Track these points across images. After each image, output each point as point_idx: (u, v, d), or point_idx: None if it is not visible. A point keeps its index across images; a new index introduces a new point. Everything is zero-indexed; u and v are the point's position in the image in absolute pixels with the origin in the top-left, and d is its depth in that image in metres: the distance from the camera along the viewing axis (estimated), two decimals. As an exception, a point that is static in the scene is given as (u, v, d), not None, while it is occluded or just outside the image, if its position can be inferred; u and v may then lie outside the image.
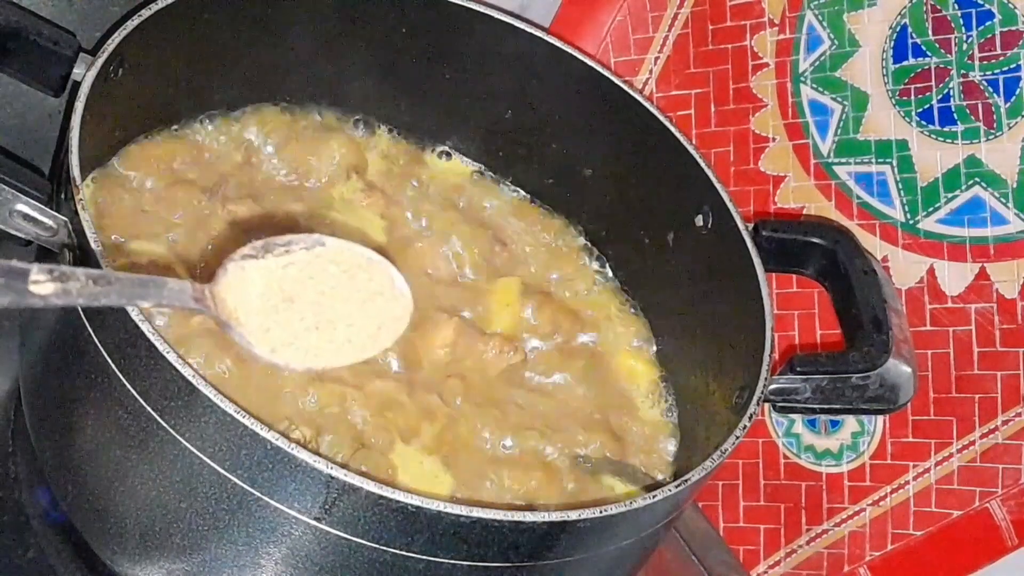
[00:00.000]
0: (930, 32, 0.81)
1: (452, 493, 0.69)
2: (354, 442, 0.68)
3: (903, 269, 0.83)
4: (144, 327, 0.55)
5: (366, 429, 0.69)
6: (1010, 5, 0.77)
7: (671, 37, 0.95)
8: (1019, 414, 0.78)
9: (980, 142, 0.79)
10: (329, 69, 0.84)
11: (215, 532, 0.58)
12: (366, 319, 0.54)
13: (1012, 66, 0.77)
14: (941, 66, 0.80)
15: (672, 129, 0.79)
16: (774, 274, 0.77)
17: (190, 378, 0.54)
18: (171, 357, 0.55)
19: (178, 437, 0.56)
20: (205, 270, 0.73)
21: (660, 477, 0.76)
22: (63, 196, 0.61)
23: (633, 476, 0.74)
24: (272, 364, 0.53)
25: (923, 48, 0.81)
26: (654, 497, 0.60)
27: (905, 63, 0.82)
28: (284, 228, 0.78)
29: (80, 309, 0.59)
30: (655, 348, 0.83)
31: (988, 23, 0.78)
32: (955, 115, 0.80)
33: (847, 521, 0.86)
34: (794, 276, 0.86)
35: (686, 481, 0.62)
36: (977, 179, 0.79)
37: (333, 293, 0.53)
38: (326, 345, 0.53)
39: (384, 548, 0.56)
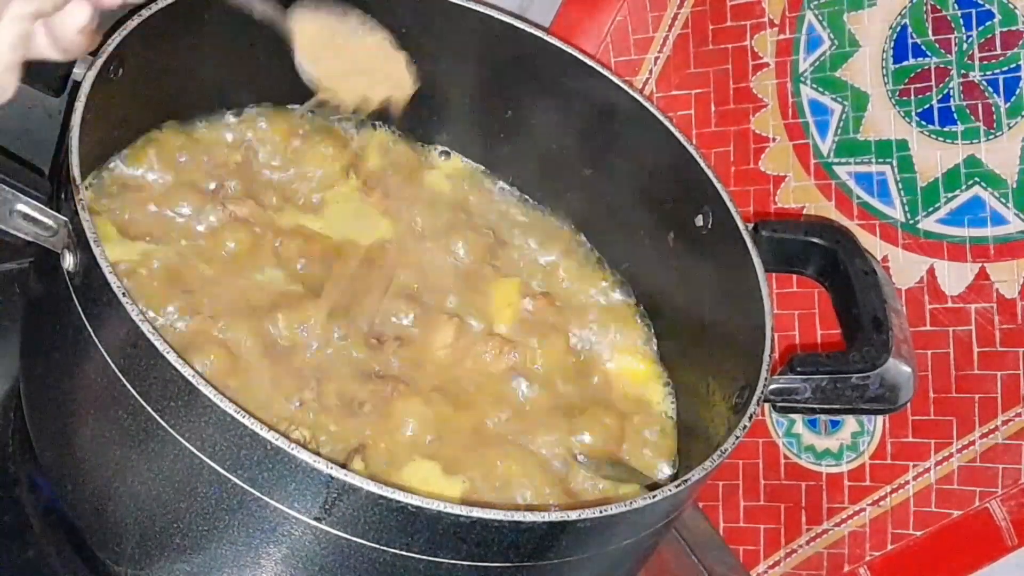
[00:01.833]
0: (930, 32, 0.81)
1: (452, 493, 0.69)
2: (354, 443, 0.68)
3: (903, 269, 0.83)
4: (144, 327, 0.55)
5: (366, 430, 0.69)
6: (1010, 5, 0.77)
7: (671, 37, 0.95)
8: (1019, 414, 0.78)
9: (980, 142, 0.79)
10: (329, 69, 0.84)
11: (215, 532, 0.58)
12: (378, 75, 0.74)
13: (1012, 66, 0.77)
14: (941, 66, 0.80)
15: (672, 129, 0.79)
16: (774, 274, 0.77)
17: (190, 378, 0.54)
18: (171, 357, 0.55)
19: (178, 437, 0.56)
20: (205, 271, 0.73)
21: (660, 477, 0.76)
22: (63, 196, 0.61)
23: (633, 476, 0.74)
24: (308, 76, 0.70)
25: (923, 48, 0.81)
26: (654, 497, 0.60)
27: (905, 63, 0.82)
28: (283, 228, 0.78)
29: (80, 309, 0.59)
30: (655, 348, 0.83)
31: (988, 23, 0.78)
32: (955, 115, 0.80)
33: (847, 521, 0.86)
34: (794, 276, 0.86)
35: (686, 481, 0.62)
36: (977, 179, 0.79)
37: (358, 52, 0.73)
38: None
39: (384, 548, 0.56)
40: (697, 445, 0.75)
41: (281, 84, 0.83)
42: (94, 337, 0.58)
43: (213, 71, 0.79)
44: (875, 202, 0.84)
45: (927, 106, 0.81)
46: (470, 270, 0.82)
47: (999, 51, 0.78)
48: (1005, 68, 0.78)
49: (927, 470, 0.82)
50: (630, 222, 0.85)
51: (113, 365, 0.58)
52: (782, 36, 0.88)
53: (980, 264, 0.80)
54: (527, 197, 0.89)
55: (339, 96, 0.72)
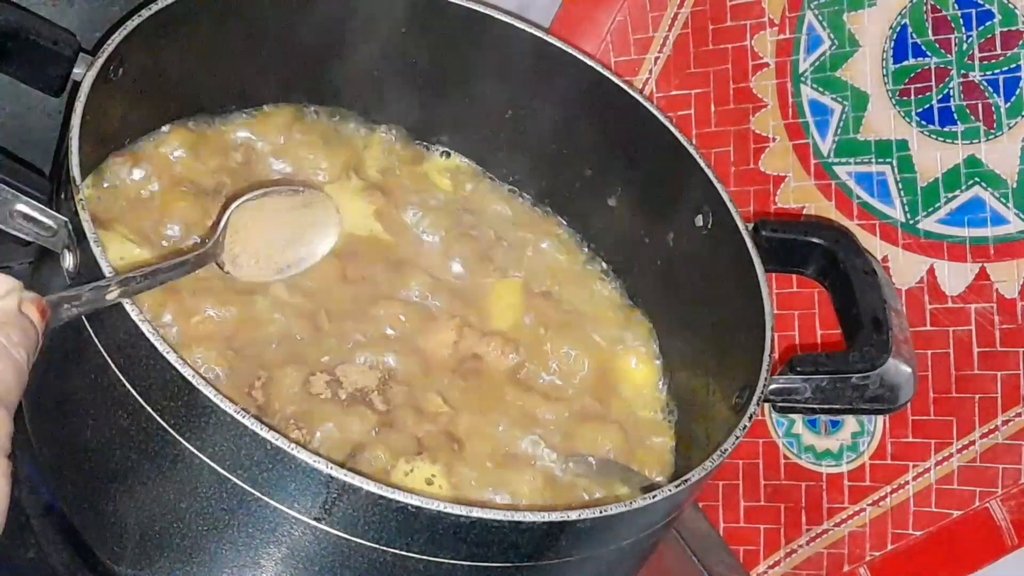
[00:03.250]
0: (930, 32, 0.81)
1: (453, 494, 0.69)
2: (353, 445, 0.68)
3: (903, 269, 0.83)
4: (144, 327, 0.55)
5: (365, 431, 0.69)
6: (1010, 5, 0.77)
7: (671, 37, 0.95)
8: (1019, 414, 0.78)
9: (980, 142, 0.79)
10: (328, 69, 0.84)
11: (215, 532, 0.58)
12: (304, 244, 0.72)
13: (1012, 66, 0.77)
14: (941, 66, 0.80)
15: (672, 129, 0.79)
16: (774, 274, 0.77)
17: (190, 378, 0.54)
18: (171, 357, 0.55)
19: (178, 437, 0.56)
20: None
21: (660, 477, 0.76)
22: (63, 196, 0.61)
23: (632, 476, 0.74)
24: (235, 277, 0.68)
25: (923, 48, 0.81)
26: (654, 497, 0.60)
27: (905, 63, 0.82)
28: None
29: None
30: (655, 348, 0.83)
31: (988, 23, 0.78)
32: (955, 115, 0.80)
33: (847, 521, 0.86)
34: (794, 276, 0.86)
35: (686, 481, 0.62)
36: (977, 179, 0.79)
37: (277, 225, 0.70)
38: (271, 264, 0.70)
39: (384, 548, 0.56)
40: (697, 445, 0.75)
41: (282, 83, 0.84)
42: (94, 337, 0.58)
43: (213, 71, 0.79)
44: (875, 202, 0.84)
45: (927, 106, 0.81)
46: (471, 271, 0.82)
47: (999, 51, 0.78)
48: (1005, 68, 0.78)
49: (927, 470, 0.82)
50: (630, 222, 0.85)
51: (113, 365, 0.58)
52: (782, 36, 0.88)
53: (980, 264, 0.80)
54: (527, 197, 0.89)
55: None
